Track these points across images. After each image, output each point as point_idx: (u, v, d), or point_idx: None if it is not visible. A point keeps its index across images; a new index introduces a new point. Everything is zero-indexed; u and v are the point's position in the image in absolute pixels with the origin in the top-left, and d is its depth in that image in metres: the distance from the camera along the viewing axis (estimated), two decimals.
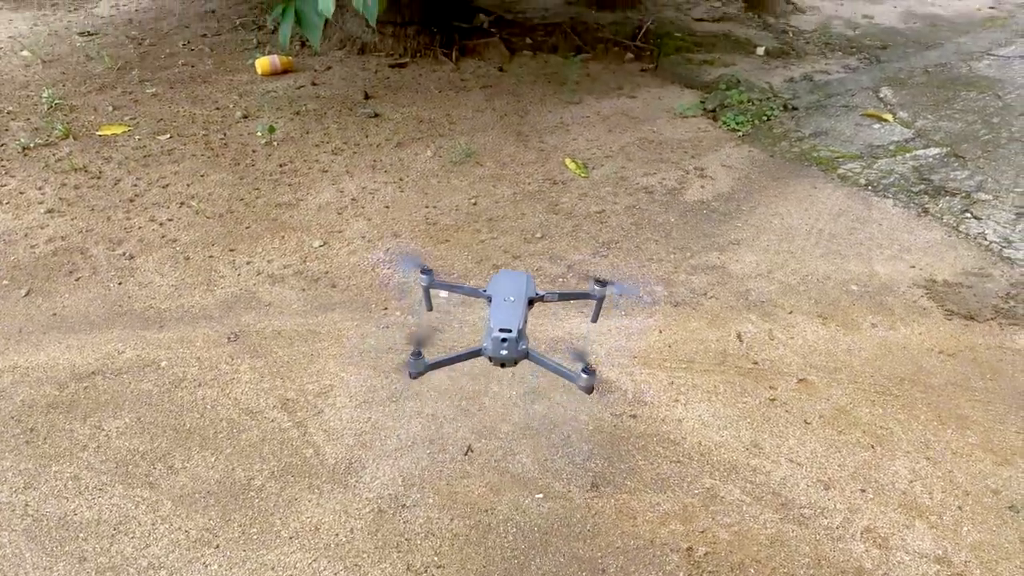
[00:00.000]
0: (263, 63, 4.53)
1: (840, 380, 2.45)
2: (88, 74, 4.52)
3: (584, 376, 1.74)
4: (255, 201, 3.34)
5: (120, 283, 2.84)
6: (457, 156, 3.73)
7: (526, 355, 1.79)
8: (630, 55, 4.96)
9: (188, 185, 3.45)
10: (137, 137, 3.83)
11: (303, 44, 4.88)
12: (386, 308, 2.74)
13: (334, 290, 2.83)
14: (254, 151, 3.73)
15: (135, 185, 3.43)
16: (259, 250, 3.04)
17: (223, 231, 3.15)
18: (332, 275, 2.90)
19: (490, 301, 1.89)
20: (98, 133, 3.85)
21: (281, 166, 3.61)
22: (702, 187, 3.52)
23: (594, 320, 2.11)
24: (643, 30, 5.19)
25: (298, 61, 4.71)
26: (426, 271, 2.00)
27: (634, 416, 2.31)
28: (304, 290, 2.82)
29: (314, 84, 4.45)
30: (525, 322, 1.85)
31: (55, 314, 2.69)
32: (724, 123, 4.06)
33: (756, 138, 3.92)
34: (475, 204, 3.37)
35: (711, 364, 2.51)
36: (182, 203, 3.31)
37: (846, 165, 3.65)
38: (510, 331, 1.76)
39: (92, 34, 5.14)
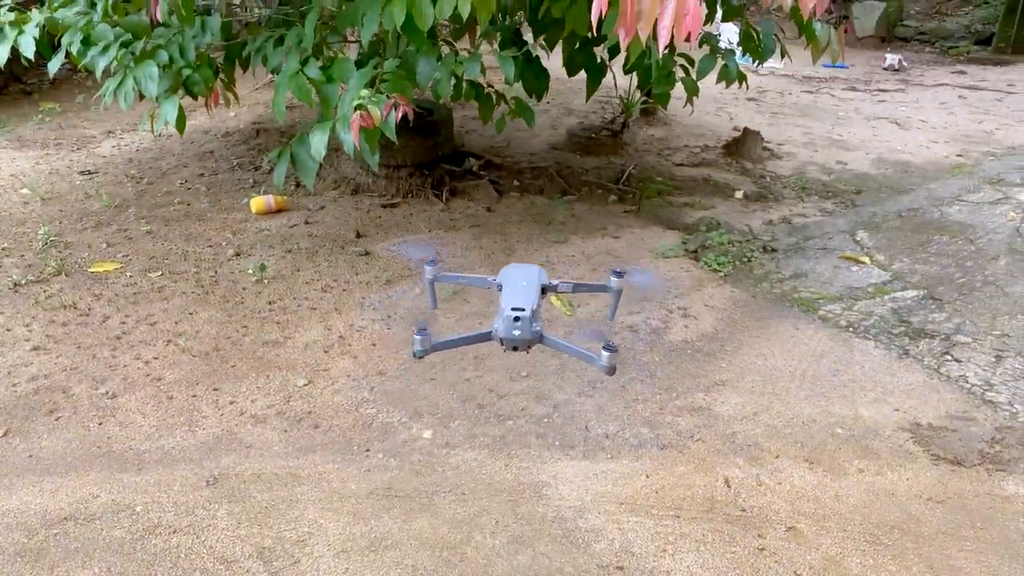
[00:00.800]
0: (258, 202, 4.66)
1: (829, 528, 2.41)
2: (85, 211, 4.63)
3: (605, 354, 1.65)
4: (242, 339, 3.36)
5: (100, 423, 2.81)
6: (444, 293, 3.79)
7: (540, 338, 1.71)
8: (614, 197, 5.13)
9: (176, 323, 3.47)
10: (129, 274, 3.89)
11: (298, 184, 5.03)
12: (368, 450, 2.71)
13: (316, 431, 2.80)
14: (244, 289, 3.78)
15: (123, 323, 3.45)
16: (243, 389, 3.03)
17: (208, 370, 3.14)
18: (315, 415, 2.88)
19: (500, 289, 1.82)
20: (90, 270, 3.90)
21: (270, 304, 3.65)
22: (686, 327, 3.56)
23: (611, 317, 2.03)
24: (626, 174, 5.39)
25: (293, 201, 4.84)
26: (431, 262, 1.92)
27: (621, 568, 2.25)
28: (286, 431, 2.80)
29: (307, 223, 4.56)
30: (539, 306, 1.76)
31: (31, 456, 2.64)
32: (706, 264, 4.16)
33: (737, 279, 4.01)
34: None
35: (699, 511, 2.47)
36: (169, 341, 3.32)
37: (826, 307, 3.72)
38: (523, 310, 1.68)
39: (92, 173, 5.29)
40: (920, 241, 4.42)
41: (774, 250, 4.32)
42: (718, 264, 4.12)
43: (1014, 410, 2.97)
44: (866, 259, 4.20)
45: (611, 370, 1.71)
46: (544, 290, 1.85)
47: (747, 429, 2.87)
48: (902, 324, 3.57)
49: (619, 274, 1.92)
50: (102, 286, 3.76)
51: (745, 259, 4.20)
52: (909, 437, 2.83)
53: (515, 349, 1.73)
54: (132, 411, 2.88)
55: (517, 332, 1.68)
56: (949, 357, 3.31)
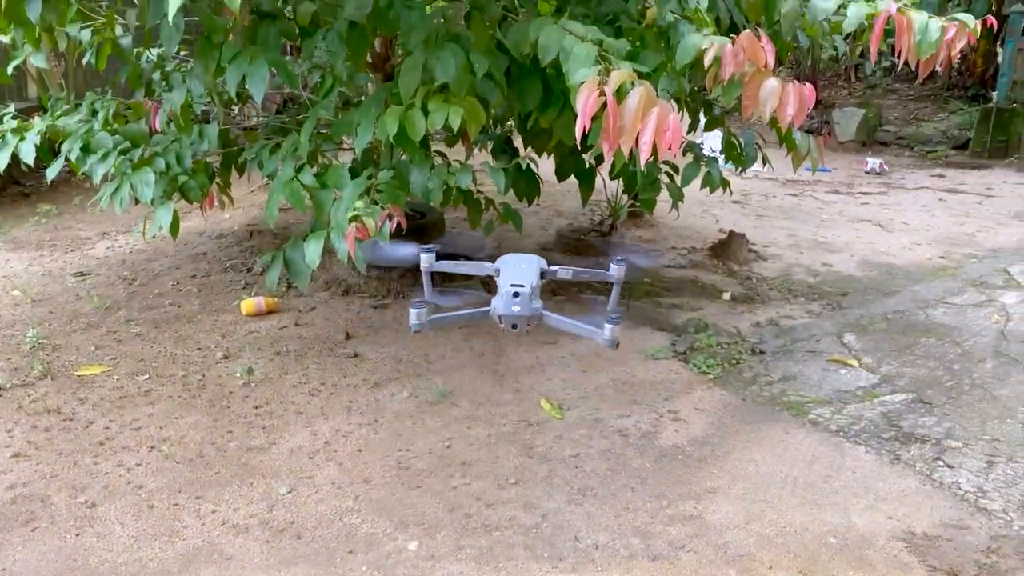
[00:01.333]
0: (248, 304, 4.68)
1: None
2: (75, 313, 4.64)
3: (608, 326, 1.60)
4: (227, 445, 3.32)
5: (78, 534, 2.74)
6: (433, 396, 3.77)
7: (540, 317, 1.65)
8: (602, 298, 5.16)
9: (161, 428, 3.43)
10: (115, 377, 3.87)
11: (290, 285, 5.07)
12: (351, 562, 2.64)
13: (299, 542, 2.73)
14: (231, 392, 3.76)
15: (107, 428, 3.41)
16: (226, 497, 2.97)
17: (192, 477, 3.09)
18: (298, 525, 2.82)
19: (499, 274, 1.77)
20: (76, 373, 3.88)
21: (256, 408, 3.62)
22: (676, 431, 3.54)
23: (611, 307, 1.98)
24: None
25: (283, 302, 4.87)
26: (427, 249, 1.87)
27: None
28: (268, 542, 2.73)
29: (297, 325, 4.57)
30: (538, 285, 1.71)
31: (4, 570, 2.56)
32: (695, 366, 4.16)
33: (727, 381, 4.01)
34: (449, 447, 3.36)
35: None
36: (153, 447, 3.28)
37: (816, 410, 3.72)
38: (522, 286, 1.63)
39: (85, 274, 5.33)
40: (907, 343, 4.45)
41: (762, 352, 4.34)
42: (707, 366, 4.13)
43: (1008, 518, 2.93)
44: (854, 362, 4.22)
45: (614, 343, 1.68)
46: (543, 274, 1.83)
47: (739, 539, 2.81)
48: (892, 428, 3.55)
49: (620, 262, 1.91)
50: (88, 390, 3.74)
51: (734, 361, 4.22)
52: (904, 547, 2.78)
53: (514, 327, 1.69)
54: (111, 521, 2.82)
55: (516, 308, 1.65)
56: (941, 462, 3.29)
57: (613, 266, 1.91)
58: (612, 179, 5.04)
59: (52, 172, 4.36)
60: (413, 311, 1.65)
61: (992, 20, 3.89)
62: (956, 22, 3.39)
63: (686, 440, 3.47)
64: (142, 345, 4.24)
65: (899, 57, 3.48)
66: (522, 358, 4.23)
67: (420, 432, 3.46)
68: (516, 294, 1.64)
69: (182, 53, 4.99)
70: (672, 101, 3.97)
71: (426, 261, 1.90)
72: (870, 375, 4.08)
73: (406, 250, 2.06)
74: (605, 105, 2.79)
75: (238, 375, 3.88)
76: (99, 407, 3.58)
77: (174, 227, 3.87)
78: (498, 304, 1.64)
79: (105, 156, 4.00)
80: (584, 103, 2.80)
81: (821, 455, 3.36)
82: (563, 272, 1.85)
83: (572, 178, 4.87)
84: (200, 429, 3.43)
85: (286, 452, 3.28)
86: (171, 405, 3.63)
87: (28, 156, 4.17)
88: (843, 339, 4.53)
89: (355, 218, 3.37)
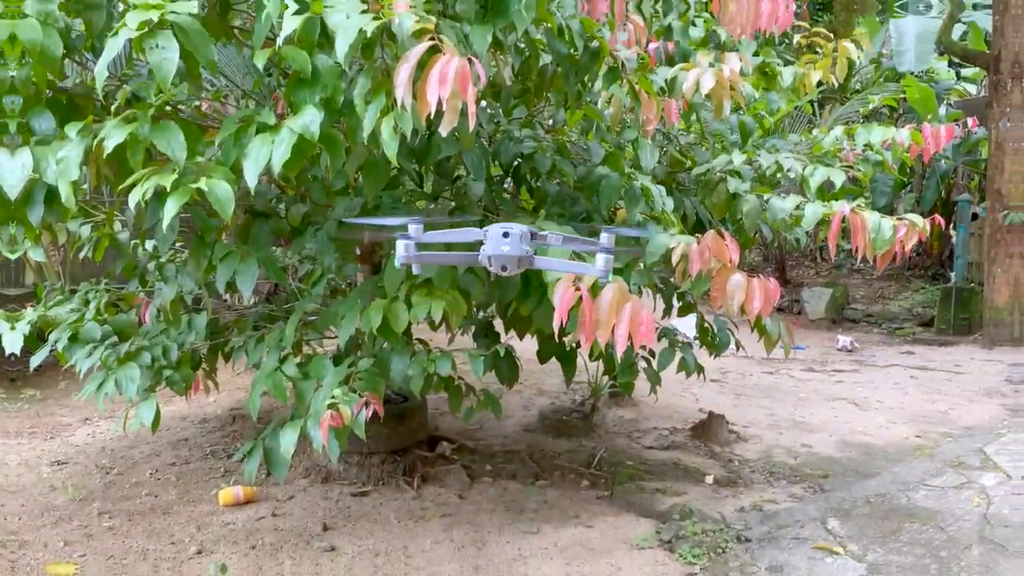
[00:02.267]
0: (226, 495, 4.62)
1: None
2: (48, 506, 4.54)
3: (602, 257, 1.55)
4: None
5: None
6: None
7: (531, 261, 1.60)
8: (586, 482, 5.15)
9: None
10: None
11: (269, 472, 5.00)
12: None
13: None
14: None
15: None
16: None
17: None
18: None
19: (487, 235, 1.74)
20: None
21: None
22: None
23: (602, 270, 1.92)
24: (597, 458, 5.46)
25: (262, 491, 4.80)
26: (415, 220, 1.82)
27: None
28: None
29: (274, 515, 4.49)
30: (528, 234, 1.67)
31: None
32: (680, 556, 4.10)
33: (713, 573, 3.94)
34: None
35: None
36: None
37: None
38: (512, 228, 1.59)
39: (62, 463, 5.26)
40: (891, 529, 4.41)
41: (748, 540, 4.28)
42: (693, 556, 4.06)
43: None
44: (840, 549, 4.17)
45: (607, 273, 1.68)
46: (533, 235, 1.85)
47: None
48: None
49: (609, 231, 1.93)
50: None
51: (720, 550, 4.15)
52: None
53: (504, 270, 1.68)
54: None
55: (506, 248, 1.65)
56: None
57: (604, 235, 1.98)
58: (592, 360, 5.17)
59: (36, 360, 4.42)
60: (401, 243, 1.67)
61: (940, 219, 4.19)
62: (907, 222, 3.65)
63: None
64: (113, 540, 4.13)
65: (856, 253, 3.72)
66: (504, 551, 4.14)
67: None
68: (506, 234, 1.70)
69: (178, 244, 5.21)
70: (646, 288, 4.18)
71: (414, 232, 1.93)
72: (857, 564, 4.02)
73: (394, 221, 2.13)
74: (581, 299, 2.94)
75: (211, 573, 3.77)
76: None
77: (155, 422, 3.88)
78: (488, 246, 1.69)
79: (93, 350, 4.07)
80: (561, 299, 2.94)
81: None
82: (553, 238, 1.92)
83: (554, 358, 4.98)
84: None
85: None
86: None
87: (15, 346, 4.24)
88: (827, 524, 4.49)
89: (332, 406, 3.42)
